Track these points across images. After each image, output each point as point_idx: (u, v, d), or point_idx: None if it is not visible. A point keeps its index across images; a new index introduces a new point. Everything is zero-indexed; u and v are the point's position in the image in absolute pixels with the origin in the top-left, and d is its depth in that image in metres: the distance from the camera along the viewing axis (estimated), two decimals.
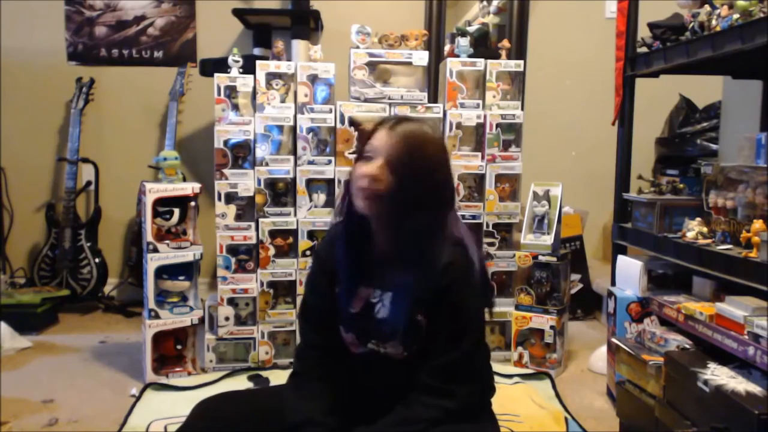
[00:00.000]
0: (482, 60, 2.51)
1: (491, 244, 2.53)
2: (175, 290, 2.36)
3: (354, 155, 1.31)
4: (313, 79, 2.44)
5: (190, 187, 2.34)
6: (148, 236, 2.25)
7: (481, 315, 1.31)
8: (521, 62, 2.57)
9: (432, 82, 2.81)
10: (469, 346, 1.25)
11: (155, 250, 2.26)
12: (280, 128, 2.45)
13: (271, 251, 2.41)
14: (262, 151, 2.41)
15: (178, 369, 2.34)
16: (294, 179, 2.43)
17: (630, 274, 2.05)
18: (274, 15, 3.26)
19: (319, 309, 1.37)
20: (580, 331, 2.96)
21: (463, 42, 2.53)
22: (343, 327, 1.34)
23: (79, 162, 3.20)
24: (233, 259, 2.41)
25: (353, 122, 2.43)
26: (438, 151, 1.29)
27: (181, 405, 2.06)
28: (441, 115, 2.48)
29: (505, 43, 2.61)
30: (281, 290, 2.48)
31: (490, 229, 2.54)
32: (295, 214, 2.43)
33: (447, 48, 2.80)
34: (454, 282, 1.23)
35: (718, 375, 1.47)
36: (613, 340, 1.97)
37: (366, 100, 2.45)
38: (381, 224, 1.28)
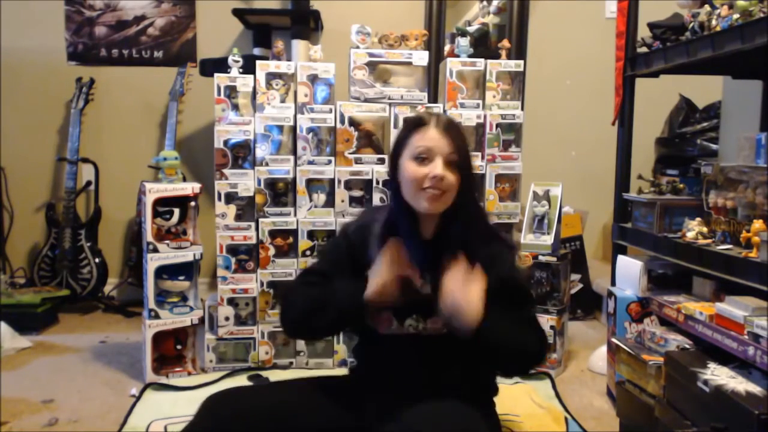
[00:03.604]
0: (482, 60, 2.51)
1: None
2: (175, 290, 2.36)
3: (395, 155, 1.33)
4: (313, 79, 2.44)
5: (190, 187, 2.34)
6: (148, 236, 2.25)
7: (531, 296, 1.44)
8: (521, 62, 2.56)
9: (432, 82, 2.81)
10: (533, 314, 1.38)
11: (155, 250, 2.26)
12: (280, 128, 2.45)
13: (271, 251, 2.41)
14: (262, 151, 2.41)
15: (178, 369, 2.34)
16: (294, 179, 2.43)
17: (630, 274, 2.05)
18: (274, 15, 3.26)
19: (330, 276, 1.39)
20: (580, 331, 2.96)
21: (463, 42, 2.53)
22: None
23: (79, 162, 3.20)
24: (233, 259, 2.41)
25: (353, 122, 2.43)
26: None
27: (181, 405, 2.06)
28: None
29: (505, 43, 2.61)
30: (281, 290, 2.48)
31: None
32: (295, 214, 2.43)
33: (447, 48, 2.80)
34: (504, 262, 1.32)
35: (718, 375, 1.47)
36: (613, 340, 1.97)
37: (366, 100, 2.45)
38: (435, 216, 1.33)
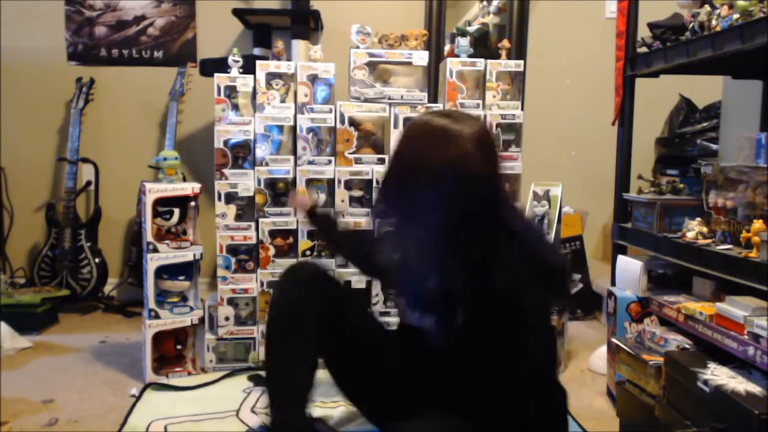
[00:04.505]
0: (482, 60, 2.51)
1: None
2: (175, 290, 2.36)
3: None
4: (313, 79, 2.44)
5: (190, 187, 2.34)
6: (148, 236, 2.25)
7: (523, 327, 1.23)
8: (521, 62, 2.56)
9: (432, 82, 2.81)
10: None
11: (155, 250, 2.26)
12: (280, 128, 2.45)
13: (271, 251, 2.41)
14: (262, 151, 2.41)
15: (178, 369, 2.34)
16: (294, 179, 2.43)
17: (630, 274, 2.05)
18: (274, 15, 3.26)
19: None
20: (580, 331, 2.96)
21: (463, 42, 2.53)
22: (397, 288, 1.45)
23: (79, 162, 3.20)
24: (233, 259, 2.41)
25: (353, 122, 2.43)
26: (440, 144, 1.22)
27: (181, 405, 2.06)
28: None
29: (505, 43, 2.61)
30: None
31: None
32: (295, 214, 2.43)
33: (447, 48, 2.80)
34: (506, 269, 1.17)
35: (718, 375, 1.47)
36: (613, 340, 1.97)
37: (366, 100, 2.45)
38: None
